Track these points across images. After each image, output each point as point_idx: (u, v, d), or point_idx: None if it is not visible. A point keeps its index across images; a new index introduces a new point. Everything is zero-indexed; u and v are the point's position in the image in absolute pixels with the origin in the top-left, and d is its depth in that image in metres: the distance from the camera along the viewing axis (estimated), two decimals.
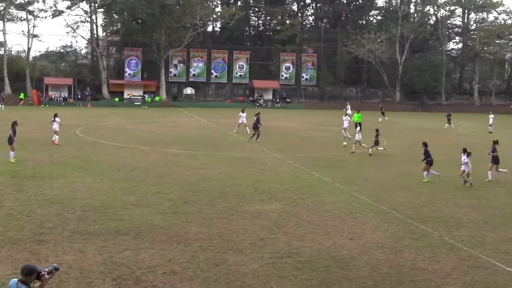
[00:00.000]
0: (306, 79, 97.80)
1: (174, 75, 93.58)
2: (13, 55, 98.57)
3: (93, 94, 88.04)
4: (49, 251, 14.46)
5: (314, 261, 14.38)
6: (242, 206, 19.67)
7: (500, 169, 27.31)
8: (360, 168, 29.91)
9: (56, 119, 36.26)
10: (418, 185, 25.18)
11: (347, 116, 45.79)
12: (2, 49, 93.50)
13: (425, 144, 27.04)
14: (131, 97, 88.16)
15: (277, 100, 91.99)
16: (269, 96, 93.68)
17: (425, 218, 19.03)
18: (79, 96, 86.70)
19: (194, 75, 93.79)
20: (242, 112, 45.36)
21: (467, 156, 25.33)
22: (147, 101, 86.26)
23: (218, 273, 13.31)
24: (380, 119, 60.50)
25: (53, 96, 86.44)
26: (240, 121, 45.11)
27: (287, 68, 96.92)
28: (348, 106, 67.65)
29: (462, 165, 25.44)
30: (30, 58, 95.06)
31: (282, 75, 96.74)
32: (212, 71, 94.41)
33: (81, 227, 16.47)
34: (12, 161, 27.63)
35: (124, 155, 31.25)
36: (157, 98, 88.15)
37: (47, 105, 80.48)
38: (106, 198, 20.25)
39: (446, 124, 57.42)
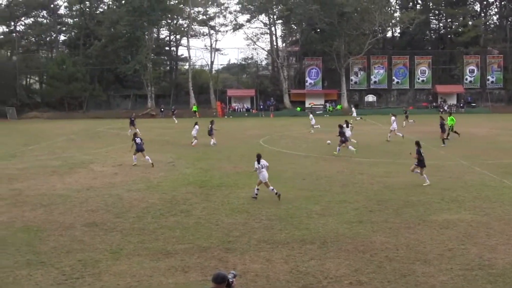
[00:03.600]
0: (492, 82, 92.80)
1: (355, 82, 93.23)
2: (197, 69, 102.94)
3: (275, 104, 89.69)
4: (237, 259, 14.75)
5: (507, 274, 13.51)
6: (429, 216, 19.00)
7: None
8: None
9: (196, 126, 42.43)
10: None
11: None
12: (187, 63, 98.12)
13: None
14: (313, 106, 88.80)
15: (462, 105, 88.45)
16: (453, 101, 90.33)
17: None
18: (261, 107, 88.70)
19: (375, 82, 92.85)
20: (393, 116, 44.48)
21: None
22: (329, 109, 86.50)
23: (406, 285, 12.90)
24: None
25: (236, 108, 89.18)
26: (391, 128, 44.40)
27: (471, 71, 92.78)
28: None
29: None
30: (213, 71, 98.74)
31: (466, 79, 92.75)
32: (393, 78, 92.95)
33: (267, 236, 16.69)
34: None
35: (308, 164, 31.45)
36: (338, 107, 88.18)
37: (230, 116, 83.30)
38: (291, 207, 20.41)
39: None
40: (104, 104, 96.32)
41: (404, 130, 49.10)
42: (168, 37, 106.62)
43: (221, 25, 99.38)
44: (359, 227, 17.54)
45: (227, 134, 48.61)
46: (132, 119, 54.73)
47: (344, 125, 38.63)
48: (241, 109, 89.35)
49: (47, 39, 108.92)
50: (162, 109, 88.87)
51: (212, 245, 15.91)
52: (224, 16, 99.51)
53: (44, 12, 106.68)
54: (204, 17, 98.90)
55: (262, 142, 43.60)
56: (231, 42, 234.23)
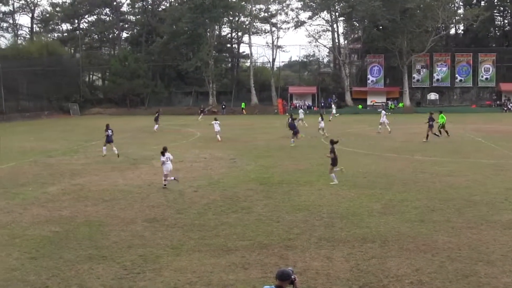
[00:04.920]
0: None
1: (417, 80, 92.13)
2: (259, 66, 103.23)
3: (336, 102, 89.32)
4: (297, 256, 14.75)
5: None
6: (493, 216, 18.62)
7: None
8: None
9: (217, 121, 45.49)
10: None
11: None
12: (248, 61, 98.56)
13: None
14: (374, 104, 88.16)
15: None
16: None
17: None
18: (323, 104, 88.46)
19: (437, 79, 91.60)
20: (383, 110, 45.40)
21: None
22: (390, 107, 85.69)
23: (468, 285, 12.68)
24: None
25: (297, 105, 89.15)
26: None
27: None
28: None
29: None
30: (275, 69, 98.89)
31: None
32: (456, 75, 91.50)
33: (328, 234, 16.65)
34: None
35: (369, 162, 31.23)
36: (400, 105, 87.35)
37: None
38: (352, 205, 20.31)
39: None
40: (166, 100, 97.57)
41: (471, 128, 48.20)
42: (229, 34, 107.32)
43: (283, 22, 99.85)
44: (420, 226, 17.33)
45: (288, 132, 48.51)
46: (157, 115, 57.00)
47: (319, 119, 47.40)
48: (302, 106, 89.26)
49: (110, 36, 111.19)
50: (224, 106, 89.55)
51: (272, 242, 15.94)
52: (286, 13, 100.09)
53: (107, 9, 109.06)
54: (266, 14, 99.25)
55: (323, 139, 43.44)
56: (292, 39, 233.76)
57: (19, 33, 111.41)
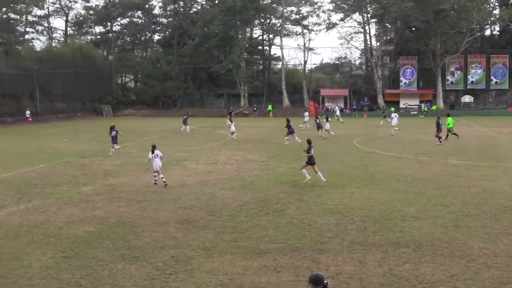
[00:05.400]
0: None
1: (451, 82, 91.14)
2: (290, 69, 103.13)
3: (369, 104, 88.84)
4: (329, 260, 14.61)
5: None
6: None
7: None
8: None
9: (232, 122, 47.99)
10: None
11: None
12: (280, 63, 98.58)
13: None
14: (407, 106, 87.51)
15: None
16: None
17: None
18: (355, 107, 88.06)
19: (472, 82, 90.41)
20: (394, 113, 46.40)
21: None
22: (424, 110, 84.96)
23: None
24: None
25: (329, 107, 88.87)
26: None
27: None
28: None
29: None
30: (306, 71, 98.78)
31: None
32: (492, 77, 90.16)
33: (360, 238, 16.48)
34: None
35: (402, 166, 30.92)
36: (433, 107, 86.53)
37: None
38: (385, 209, 20.09)
39: None
40: (198, 102, 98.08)
41: (507, 131, 47.55)
42: (261, 36, 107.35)
43: (314, 24, 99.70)
44: (455, 232, 17.05)
45: (317, 133, 48.35)
46: (186, 117, 58.35)
47: (324, 120, 49.38)
48: (334, 109, 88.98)
49: (142, 38, 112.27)
50: (255, 108, 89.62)
51: (304, 246, 15.83)
52: (317, 15, 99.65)
53: (139, 12, 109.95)
54: (297, 16, 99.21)
55: (355, 142, 43.22)
56: (324, 41, 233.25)
57: (53, 36, 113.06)
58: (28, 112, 77.48)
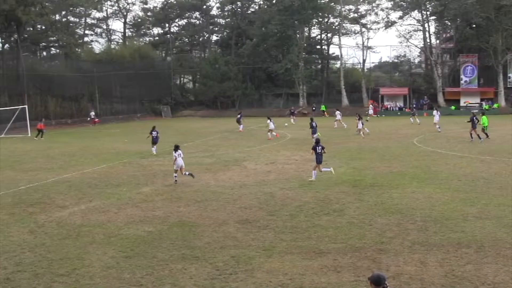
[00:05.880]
0: None
1: None
2: (349, 68, 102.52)
3: (429, 103, 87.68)
4: (390, 260, 14.52)
5: None
6: None
7: (323, 168, 27.16)
8: None
9: (271, 121, 48.82)
10: None
11: None
12: (338, 62, 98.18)
13: None
14: (468, 105, 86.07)
15: None
16: None
17: None
18: (415, 106, 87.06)
19: None
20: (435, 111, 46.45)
21: None
22: (485, 108, 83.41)
23: None
24: None
25: (388, 106, 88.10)
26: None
27: None
28: None
29: None
30: (365, 70, 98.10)
31: None
32: None
33: (421, 238, 16.32)
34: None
35: (464, 165, 30.46)
36: (495, 105, 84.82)
37: (383, 115, 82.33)
38: (446, 209, 19.84)
39: None
40: (256, 102, 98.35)
41: None
42: (319, 36, 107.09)
43: (373, 22, 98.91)
44: None
45: (380, 134, 48.06)
46: (239, 116, 59.70)
47: (357, 118, 51.02)
48: (393, 108, 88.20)
49: (200, 39, 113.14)
50: (314, 108, 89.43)
51: (365, 246, 15.77)
52: (376, 14, 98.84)
53: (197, 13, 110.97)
54: (356, 15, 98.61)
55: (415, 141, 42.75)
56: (383, 40, 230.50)
57: (112, 38, 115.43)
58: (92, 113, 79.23)
